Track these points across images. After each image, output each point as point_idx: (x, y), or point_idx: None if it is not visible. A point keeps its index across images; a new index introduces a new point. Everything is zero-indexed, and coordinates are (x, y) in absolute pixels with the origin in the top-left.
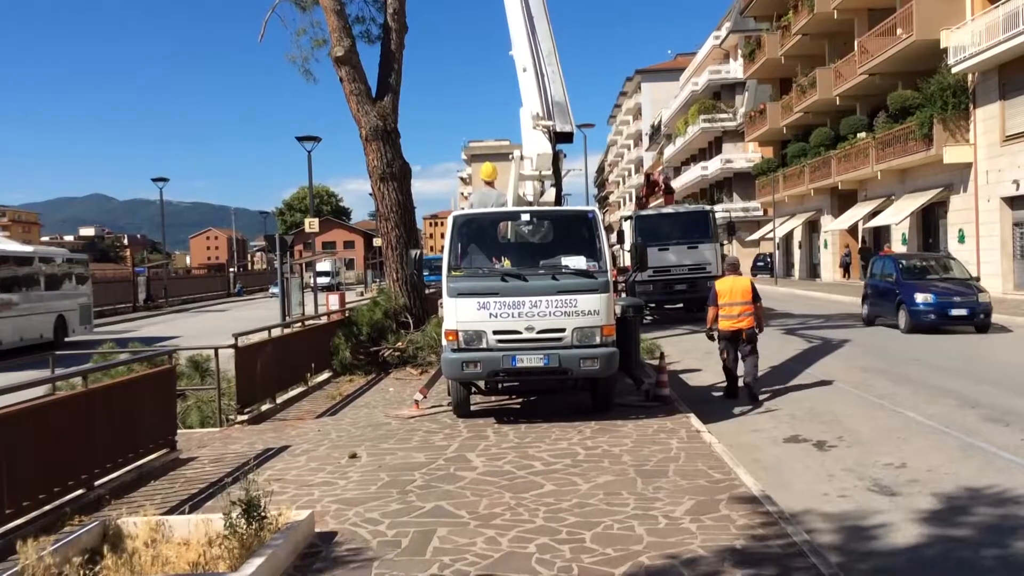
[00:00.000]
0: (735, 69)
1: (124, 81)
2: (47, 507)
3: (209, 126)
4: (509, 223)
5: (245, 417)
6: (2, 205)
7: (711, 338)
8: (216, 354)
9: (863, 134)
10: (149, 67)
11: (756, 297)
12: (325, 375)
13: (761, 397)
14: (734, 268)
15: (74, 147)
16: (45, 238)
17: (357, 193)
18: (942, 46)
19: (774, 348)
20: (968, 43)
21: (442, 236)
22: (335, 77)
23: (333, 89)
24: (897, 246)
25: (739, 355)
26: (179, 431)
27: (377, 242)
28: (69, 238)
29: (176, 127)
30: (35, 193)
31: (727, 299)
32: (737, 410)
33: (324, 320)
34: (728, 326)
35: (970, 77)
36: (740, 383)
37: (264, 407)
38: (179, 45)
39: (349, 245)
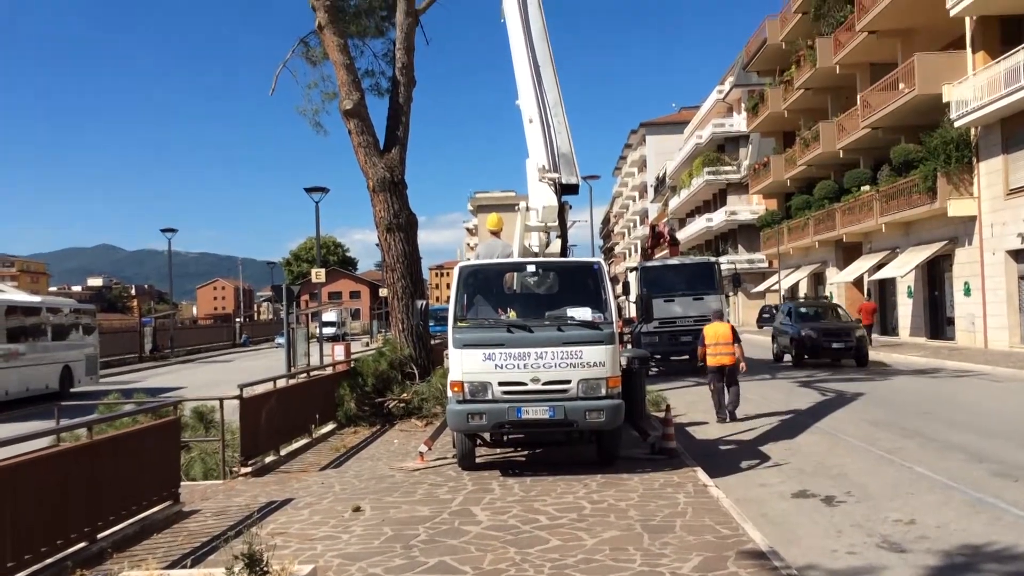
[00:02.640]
0: (739, 122)
1: (133, 132)
2: (49, 560)
3: (218, 177)
4: (515, 274)
5: (249, 469)
6: (11, 255)
7: (702, 370)
8: (221, 405)
9: (867, 187)
10: (158, 118)
11: (736, 339)
12: (330, 426)
13: (767, 451)
14: (718, 315)
15: (83, 197)
16: (53, 288)
17: (364, 243)
18: (944, 100)
19: (782, 400)
20: (970, 97)
21: (448, 286)
22: (344, 128)
23: (341, 140)
24: (903, 298)
25: (725, 386)
26: (182, 483)
27: (383, 292)
28: (77, 288)
29: (185, 178)
30: (44, 243)
31: (712, 340)
32: (744, 464)
33: (329, 371)
34: (714, 362)
35: (973, 131)
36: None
37: (268, 459)
38: (188, 95)
39: (355, 295)
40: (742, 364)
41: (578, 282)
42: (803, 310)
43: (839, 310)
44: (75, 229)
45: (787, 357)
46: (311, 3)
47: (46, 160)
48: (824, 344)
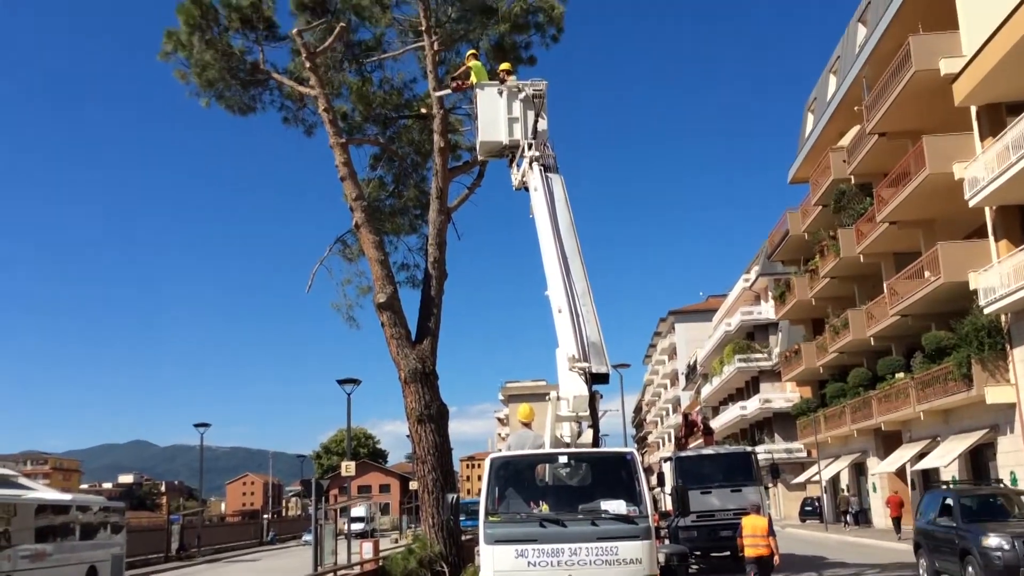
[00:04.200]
0: (767, 310)
1: (170, 329)
2: None
3: (250, 371)
4: (547, 466)
5: None
6: (45, 453)
7: (740, 558)
8: None
9: (901, 374)
10: (195, 315)
11: (771, 532)
12: None
13: None
14: (756, 508)
15: (117, 395)
16: (84, 485)
17: (394, 434)
18: (971, 288)
19: None
20: (997, 284)
21: (479, 478)
22: (377, 321)
23: (373, 332)
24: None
25: None
26: None
27: (413, 485)
28: (108, 485)
29: (218, 373)
30: (78, 440)
31: (749, 532)
32: None
33: (357, 570)
34: (752, 553)
35: (1003, 317)
36: None
37: None
38: (222, 291)
39: (385, 489)
40: (776, 557)
41: (611, 474)
42: (971, 503)
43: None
44: (109, 425)
45: None
46: (349, 203)
47: (83, 359)
48: None
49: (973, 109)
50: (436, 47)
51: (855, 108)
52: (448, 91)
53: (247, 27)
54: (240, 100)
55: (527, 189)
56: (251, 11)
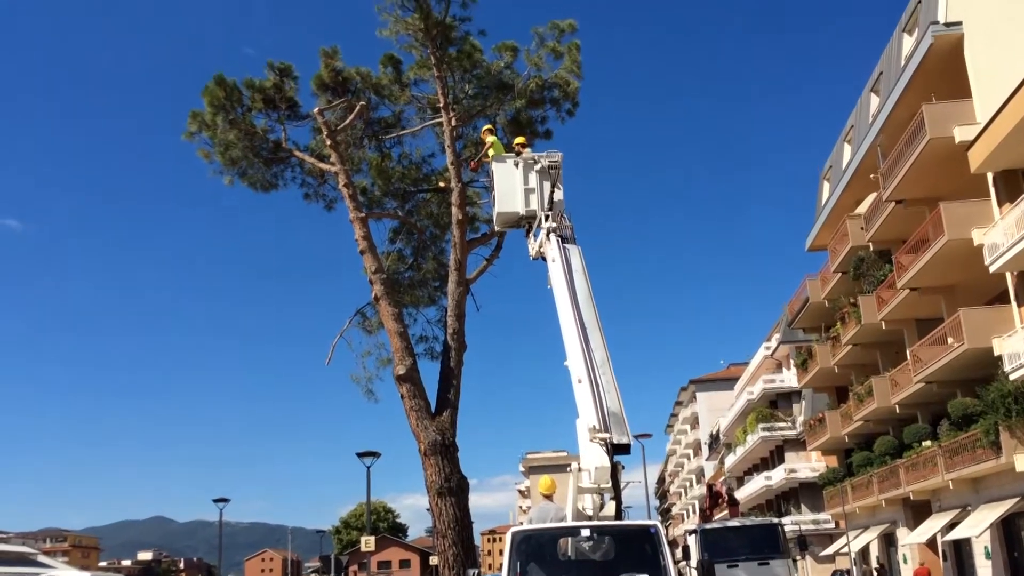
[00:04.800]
0: (789, 378)
1: (188, 404)
2: None
3: (269, 445)
4: (569, 539)
5: None
6: (64, 530)
7: None
8: None
9: (928, 442)
10: (213, 391)
11: None
12: None
13: None
14: None
15: (137, 470)
16: (103, 563)
17: (414, 508)
18: (995, 353)
19: None
20: (1022, 350)
21: (500, 553)
22: (396, 393)
23: (392, 405)
24: (981, 560)
25: None
26: None
27: (433, 560)
28: (127, 562)
29: (237, 447)
30: (97, 517)
31: None
32: None
33: None
34: None
35: None
36: None
37: None
38: (239, 367)
39: (405, 564)
40: None
41: (635, 547)
42: None
43: None
44: (129, 502)
45: None
46: (368, 276)
47: (103, 436)
48: None
49: (990, 175)
50: (454, 123)
51: (871, 176)
52: (467, 162)
53: (269, 107)
54: (262, 177)
55: (544, 259)
56: (274, 92)
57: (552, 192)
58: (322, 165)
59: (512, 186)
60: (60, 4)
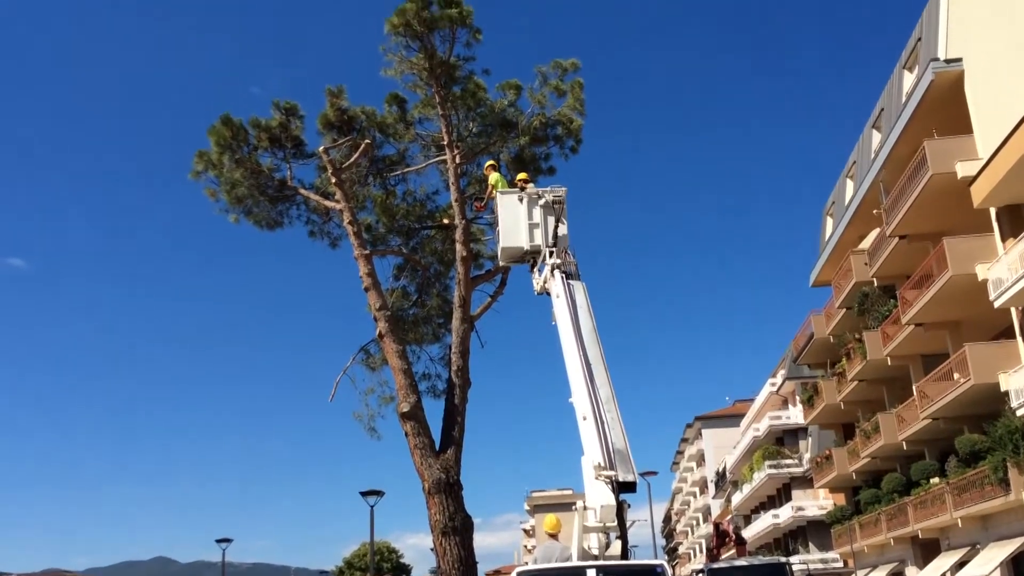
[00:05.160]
0: (795, 414)
1: (190, 445)
2: None
3: (271, 485)
4: None
5: None
6: (67, 570)
7: None
8: None
9: (936, 479)
10: (214, 431)
11: None
12: None
13: None
14: None
15: (139, 510)
16: None
17: (418, 548)
18: (1002, 389)
19: None
20: None
21: None
22: (399, 431)
23: (396, 443)
24: None
25: None
26: None
27: None
28: None
29: (239, 487)
30: (100, 557)
31: None
32: None
33: None
34: None
35: None
36: None
37: None
38: (242, 405)
39: None
40: None
41: None
42: None
43: None
44: (132, 542)
45: None
46: (372, 313)
47: (104, 476)
48: None
49: (993, 211)
50: (458, 160)
51: (874, 211)
52: (472, 201)
53: (275, 145)
54: (268, 215)
55: (549, 294)
56: (279, 130)
57: (556, 227)
58: (327, 203)
59: (516, 221)
60: (68, 45)
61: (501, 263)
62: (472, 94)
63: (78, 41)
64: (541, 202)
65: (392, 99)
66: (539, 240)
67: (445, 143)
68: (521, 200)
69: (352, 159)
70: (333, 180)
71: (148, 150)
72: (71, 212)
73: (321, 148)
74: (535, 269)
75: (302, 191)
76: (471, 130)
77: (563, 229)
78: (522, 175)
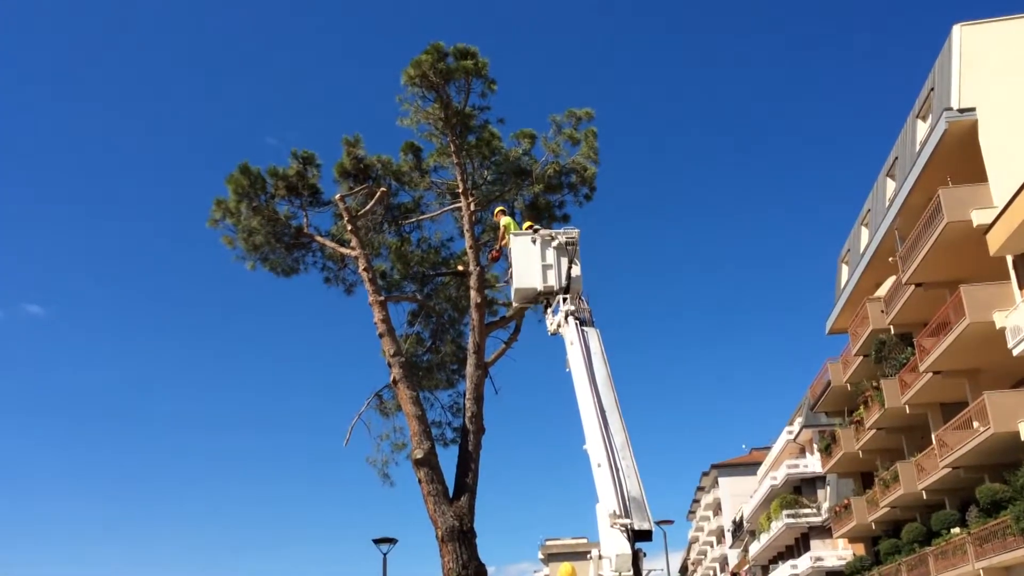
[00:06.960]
0: (813, 463)
1: (198, 490)
2: None
3: (282, 531)
4: None
5: None
6: None
7: None
8: None
9: (957, 529)
10: (223, 477)
11: None
12: None
13: None
14: None
15: (149, 557)
16: None
17: None
18: (1023, 438)
19: None
20: None
21: None
22: (412, 477)
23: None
24: None
25: None
26: None
27: None
28: None
29: (249, 533)
30: None
31: None
32: None
33: None
34: None
35: None
36: None
37: None
38: (251, 450)
39: None
40: None
41: None
42: None
43: None
44: None
45: None
46: (387, 360)
47: (109, 523)
48: None
49: (1009, 258)
50: (472, 207)
51: (889, 259)
52: (487, 246)
53: (292, 194)
54: (284, 262)
55: (563, 336)
56: (296, 179)
57: (570, 268)
58: (342, 250)
59: (530, 262)
60: (82, 93)
61: (515, 304)
62: (487, 143)
63: (88, 98)
64: (554, 243)
65: (408, 148)
66: (552, 281)
67: (460, 191)
68: (534, 242)
69: (368, 207)
70: (349, 227)
71: (161, 199)
72: (86, 261)
73: (337, 196)
74: (549, 309)
75: (318, 238)
76: (486, 178)
77: (576, 270)
78: (528, 223)
